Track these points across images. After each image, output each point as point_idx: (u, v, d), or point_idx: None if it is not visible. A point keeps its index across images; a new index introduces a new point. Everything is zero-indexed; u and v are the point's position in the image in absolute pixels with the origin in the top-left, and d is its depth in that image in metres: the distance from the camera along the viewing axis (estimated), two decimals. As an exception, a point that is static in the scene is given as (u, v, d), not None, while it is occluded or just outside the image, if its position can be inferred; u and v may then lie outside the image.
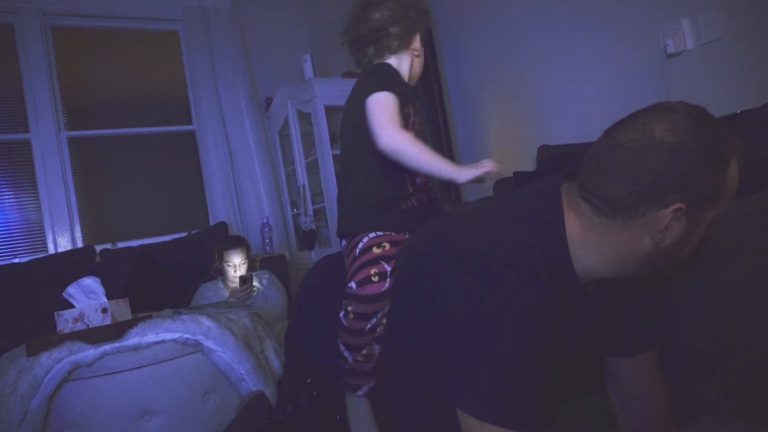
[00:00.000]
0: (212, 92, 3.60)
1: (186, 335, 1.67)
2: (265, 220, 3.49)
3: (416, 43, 1.27)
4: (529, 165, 2.75)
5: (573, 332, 0.93)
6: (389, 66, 1.23)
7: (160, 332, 1.65)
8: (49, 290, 2.63)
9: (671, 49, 2.07)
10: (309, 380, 1.16)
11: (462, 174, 1.03)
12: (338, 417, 1.10)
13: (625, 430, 1.10)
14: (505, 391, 0.78)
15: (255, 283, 2.60)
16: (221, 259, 2.68)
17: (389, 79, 1.17)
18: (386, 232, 1.09)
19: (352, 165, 1.18)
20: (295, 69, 3.71)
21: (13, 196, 3.19)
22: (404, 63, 1.26)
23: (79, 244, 3.26)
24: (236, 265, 2.65)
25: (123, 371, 1.61)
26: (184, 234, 3.39)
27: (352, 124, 1.19)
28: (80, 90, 3.46)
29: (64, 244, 3.22)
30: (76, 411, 1.57)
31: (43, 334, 1.81)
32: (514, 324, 0.79)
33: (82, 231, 3.31)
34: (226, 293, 2.66)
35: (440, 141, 3.17)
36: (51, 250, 3.19)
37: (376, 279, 1.01)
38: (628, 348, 1.05)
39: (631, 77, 2.28)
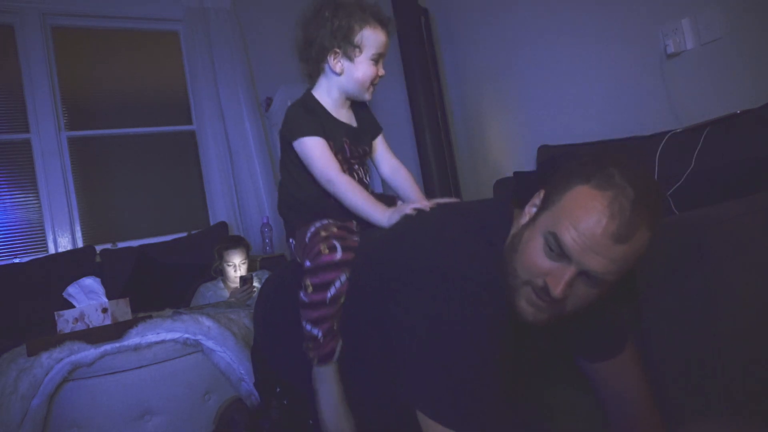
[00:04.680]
0: (212, 92, 3.60)
1: (186, 335, 1.67)
2: (265, 220, 3.49)
3: (332, 60, 1.17)
4: (529, 165, 2.75)
5: (532, 339, 0.99)
6: (312, 100, 1.20)
7: (161, 332, 1.65)
8: (49, 290, 2.63)
9: (671, 49, 2.07)
10: (278, 389, 1.17)
11: (391, 218, 1.08)
12: (311, 422, 1.11)
13: (618, 429, 1.10)
14: (468, 396, 0.83)
15: (255, 283, 2.60)
16: (221, 259, 2.68)
17: (311, 119, 1.16)
18: (330, 221, 1.13)
19: (289, 174, 1.22)
20: (295, 69, 3.67)
21: (13, 196, 3.19)
22: (332, 85, 1.21)
23: (79, 244, 3.26)
24: (236, 265, 2.65)
25: (123, 371, 1.61)
26: (184, 234, 3.38)
27: (282, 138, 1.23)
28: (80, 90, 3.46)
29: (64, 244, 3.22)
30: (77, 411, 1.57)
31: (43, 334, 1.81)
32: (472, 332, 0.84)
33: (82, 231, 3.31)
34: (226, 293, 2.66)
35: (440, 141, 3.17)
36: (51, 250, 3.19)
37: (326, 251, 1.05)
38: (598, 353, 1.08)
39: (631, 77, 2.28)
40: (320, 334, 1.04)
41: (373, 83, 1.19)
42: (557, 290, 0.83)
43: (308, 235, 1.12)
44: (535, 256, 0.86)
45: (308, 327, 1.05)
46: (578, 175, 0.85)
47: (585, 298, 0.87)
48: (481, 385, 0.84)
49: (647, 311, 1.22)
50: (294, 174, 1.20)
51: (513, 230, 0.94)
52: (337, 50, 1.16)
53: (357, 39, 1.14)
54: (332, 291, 1.04)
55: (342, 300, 1.05)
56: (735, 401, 1.12)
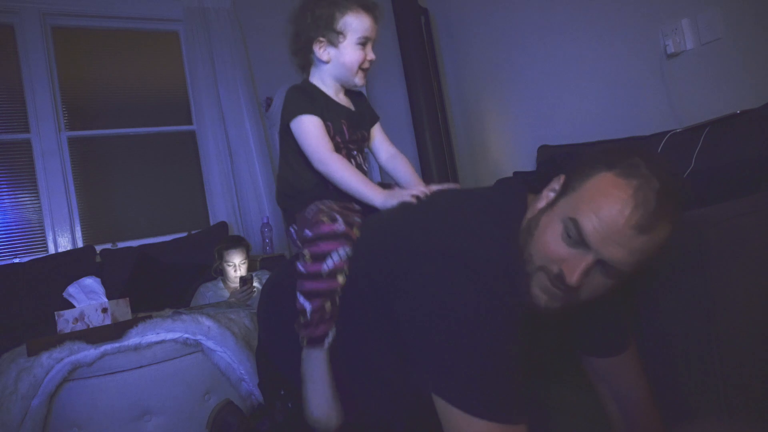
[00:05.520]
0: (212, 92, 3.60)
1: (186, 335, 1.67)
2: (265, 220, 3.49)
3: (318, 49, 1.19)
4: (529, 165, 2.75)
5: (545, 327, 0.97)
6: (309, 85, 1.21)
7: (161, 332, 1.65)
8: (49, 290, 2.64)
9: (671, 49, 2.07)
10: (282, 392, 1.15)
11: (387, 200, 1.07)
12: None
13: (618, 428, 1.10)
14: (490, 384, 0.80)
15: (255, 284, 2.59)
16: (221, 259, 2.68)
17: (309, 99, 1.16)
18: (329, 200, 1.13)
19: (287, 162, 1.21)
20: (295, 69, 3.70)
21: (13, 196, 3.19)
22: (323, 73, 1.22)
23: (79, 244, 3.26)
24: (236, 265, 2.65)
25: (123, 371, 1.61)
26: (184, 234, 3.39)
27: (281, 124, 1.22)
28: (80, 90, 3.46)
29: (64, 244, 3.22)
30: (77, 411, 1.57)
31: (43, 334, 1.82)
32: (490, 315, 0.81)
33: (82, 231, 3.31)
34: (227, 293, 2.66)
35: (440, 141, 3.17)
36: (51, 250, 3.19)
37: (326, 219, 1.04)
38: (604, 348, 1.07)
39: (631, 77, 2.28)
40: (309, 308, 1.02)
41: (362, 68, 1.19)
42: (573, 278, 0.81)
43: (310, 211, 1.11)
44: (552, 242, 0.84)
45: (301, 299, 1.04)
46: (602, 163, 0.83)
47: (600, 288, 0.84)
48: (501, 371, 0.81)
49: (647, 311, 1.22)
50: (292, 161, 1.19)
51: (528, 214, 0.91)
52: (321, 39, 1.17)
53: (339, 25, 1.16)
54: (329, 263, 1.02)
55: (340, 279, 1.02)
56: (735, 401, 1.12)
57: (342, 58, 1.17)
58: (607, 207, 0.79)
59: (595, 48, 2.41)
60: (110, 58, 3.57)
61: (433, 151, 3.15)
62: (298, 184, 1.19)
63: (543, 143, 2.63)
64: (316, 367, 1.03)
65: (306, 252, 1.04)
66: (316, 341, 1.03)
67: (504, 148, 3.08)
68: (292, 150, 1.18)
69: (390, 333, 0.91)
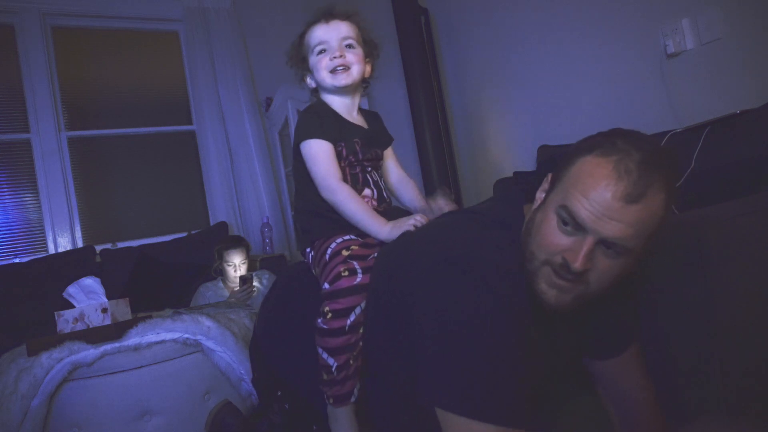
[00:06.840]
0: (212, 92, 3.60)
1: (186, 335, 1.67)
2: (265, 220, 3.49)
3: (309, 82, 1.22)
4: (529, 165, 2.75)
5: (551, 332, 0.98)
6: (322, 106, 1.19)
7: (160, 332, 1.65)
8: (49, 290, 2.63)
9: (671, 49, 2.07)
10: (279, 393, 1.14)
11: (392, 233, 1.06)
12: (314, 427, 1.07)
13: (619, 429, 1.10)
14: (487, 385, 0.80)
15: (255, 283, 2.60)
16: (221, 259, 2.68)
17: (319, 123, 1.14)
18: (352, 236, 1.10)
19: (304, 180, 1.18)
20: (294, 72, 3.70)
21: (13, 196, 3.19)
22: (325, 96, 1.21)
23: (79, 244, 3.26)
24: (236, 265, 2.65)
25: (123, 371, 1.61)
26: (184, 234, 3.39)
27: (294, 145, 1.21)
28: (80, 90, 3.46)
29: (64, 244, 3.22)
30: (77, 411, 1.57)
31: (43, 334, 1.82)
32: (494, 320, 0.82)
33: (82, 231, 3.31)
34: (226, 293, 2.66)
35: (440, 141, 3.17)
36: (51, 250, 3.19)
37: (346, 274, 1.03)
38: (605, 350, 1.07)
39: (631, 77, 2.28)
40: (335, 365, 1.00)
41: (331, 70, 1.16)
42: (577, 263, 0.81)
43: (328, 252, 1.08)
44: (550, 234, 0.85)
45: (324, 356, 1.01)
46: (581, 149, 0.86)
47: (608, 272, 0.84)
48: (499, 373, 0.81)
49: (647, 311, 1.21)
50: (309, 180, 1.16)
51: (526, 218, 0.94)
52: (303, 74, 1.22)
53: (303, 52, 1.20)
54: (352, 317, 1.00)
55: (361, 330, 1.01)
56: (735, 401, 1.12)
57: (315, 73, 1.18)
58: (592, 186, 0.81)
59: (595, 48, 2.41)
60: (110, 58, 3.57)
61: (433, 151, 3.15)
62: (320, 201, 1.14)
63: (543, 143, 2.62)
64: (343, 426, 1.02)
65: (327, 309, 1.02)
66: (343, 399, 1.01)
67: (504, 148, 3.08)
68: (307, 169, 1.16)
69: (409, 364, 0.89)
